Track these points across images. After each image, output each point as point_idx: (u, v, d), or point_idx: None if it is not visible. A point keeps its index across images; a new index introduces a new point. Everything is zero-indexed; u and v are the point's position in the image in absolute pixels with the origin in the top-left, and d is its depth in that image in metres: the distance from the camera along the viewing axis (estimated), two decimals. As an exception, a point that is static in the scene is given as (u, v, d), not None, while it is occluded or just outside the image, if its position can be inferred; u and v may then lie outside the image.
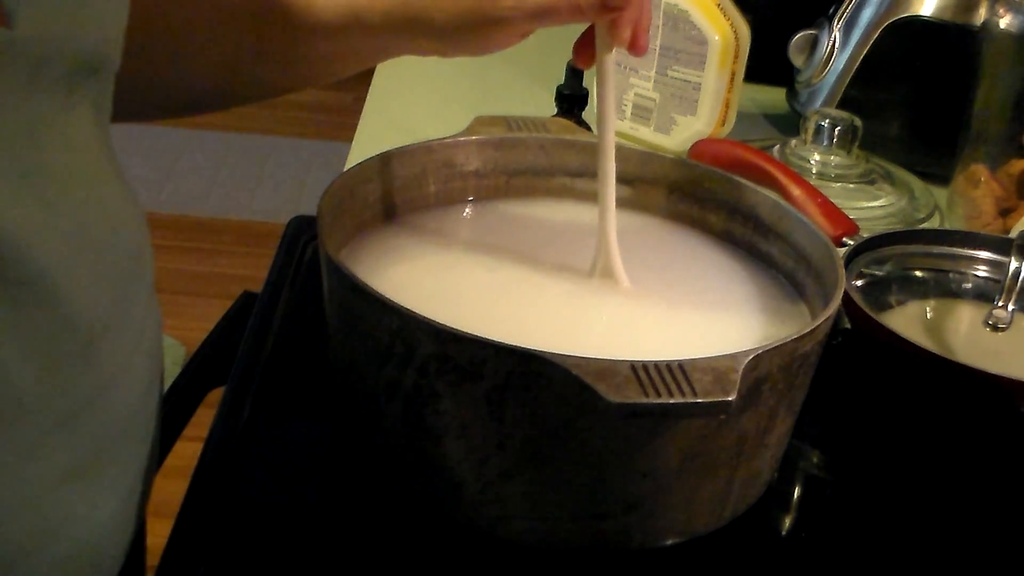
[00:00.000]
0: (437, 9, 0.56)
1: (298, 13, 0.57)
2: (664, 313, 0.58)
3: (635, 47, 0.57)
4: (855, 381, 0.66)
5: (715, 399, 0.42)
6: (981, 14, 0.91)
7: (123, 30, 0.43)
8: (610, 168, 0.58)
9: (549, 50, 1.15)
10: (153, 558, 0.53)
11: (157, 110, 0.62)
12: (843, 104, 0.96)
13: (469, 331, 0.44)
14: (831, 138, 0.88)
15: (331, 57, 0.60)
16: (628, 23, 0.55)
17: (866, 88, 0.97)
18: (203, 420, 0.61)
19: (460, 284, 0.58)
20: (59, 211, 0.40)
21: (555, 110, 0.89)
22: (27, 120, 0.38)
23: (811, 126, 0.89)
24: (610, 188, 0.58)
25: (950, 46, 0.93)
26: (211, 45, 0.58)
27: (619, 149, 0.64)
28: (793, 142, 0.91)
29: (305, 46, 0.58)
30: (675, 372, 0.42)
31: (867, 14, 0.96)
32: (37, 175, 0.39)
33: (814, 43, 1.00)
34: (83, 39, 0.39)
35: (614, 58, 0.57)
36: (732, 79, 0.92)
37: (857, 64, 0.96)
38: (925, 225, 0.85)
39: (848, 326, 0.66)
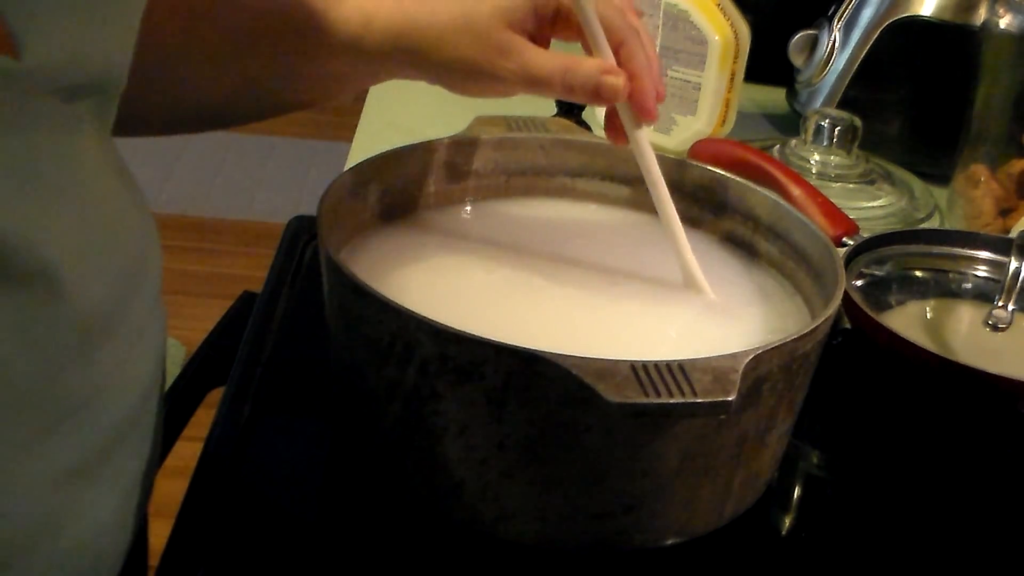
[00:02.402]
0: (435, 49, 0.56)
1: (313, 32, 0.57)
2: (664, 313, 0.58)
3: (644, 113, 0.56)
4: (855, 381, 0.66)
5: (715, 399, 0.42)
6: (981, 14, 0.91)
7: (130, 53, 0.43)
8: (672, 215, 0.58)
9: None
10: (153, 558, 0.53)
11: (160, 127, 0.62)
12: (843, 104, 0.96)
13: (469, 331, 0.44)
14: (831, 138, 0.88)
15: (338, 77, 0.60)
16: (647, 96, 0.55)
17: (866, 88, 0.97)
18: (203, 420, 0.61)
19: (460, 284, 0.58)
20: (61, 213, 0.40)
21: (555, 110, 0.89)
22: (26, 136, 0.38)
23: (811, 126, 0.89)
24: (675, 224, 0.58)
25: (950, 46, 0.93)
26: (222, 65, 0.58)
27: (619, 149, 0.64)
28: (793, 142, 0.91)
29: (316, 65, 0.58)
30: (675, 372, 0.42)
31: (867, 14, 0.96)
32: (38, 185, 0.39)
33: (814, 43, 1.00)
34: (89, 64, 0.40)
35: (647, 134, 0.57)
36: (732, 79, 0.92)
37: (857, 64, 0.96)
38: (925, 225, 0.85)
39: (848, 326, 0.66)
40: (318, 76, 0.59)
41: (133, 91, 0.45)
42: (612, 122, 0.58)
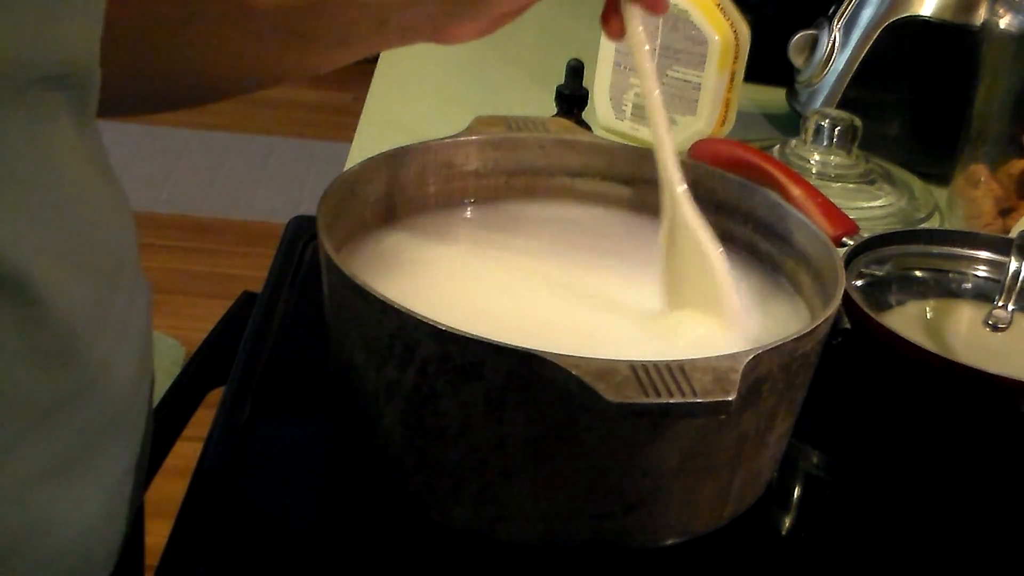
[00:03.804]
0: None
1: None
2: (663, 312, 0.58)
3: (656, 4, 0.56)
4: (855, 381, 0.66)
5: (715, 399, 0.42)
6: (981, 14, 0.91)
7: (97, 43, 0.42)
8: (667, 144, 0.57)
9: (549, 50, 1.15)
10: (153, 558, 0.53)
11: (164, 102, 0.62)
12: (843, 104, 0.96)
13: (469, 331, 0.44)
14: (831, 138, 0.88)
15: (349, 30, 0.59)
16: None
17: (866, 88, 0.97)
18: (203, 420, 0.61)
19: (460, 284, 0.58)
20: (37, 214, 0.40)
21: (555, 110, 0.89)
22: None
23: (811, 126, 0.89)
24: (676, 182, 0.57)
25: (950, 46, 0.93)
26: (227, 26, 0.57)
27: (619, 149, 0.64)
28: (793, 142, 0.91)
29: (325, 18, 0.58)
30: (675, 372, 0.42)
31: (867, 14, 0.96)
32: (13, 184, 0.38)
33: (814, 43, 1.00)
34: (51, 57, 0.39)
35: (640, 17, 0.56)
36: (732, 79, 0.92)
37: (857, 64, 0.96)
38: (925, 225, 0.85)
39: (848, 326, 0.66)
40: (328, 28, 0.59)
41: (135, 68, 0.45)
42: (609, 10, 0.57)
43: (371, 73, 1.09)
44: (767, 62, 1.00)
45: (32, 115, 0.39)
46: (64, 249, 0.41)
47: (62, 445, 0.43)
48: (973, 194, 0.85)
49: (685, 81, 0.92)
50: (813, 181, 0.83)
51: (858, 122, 0.88)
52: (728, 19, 0.90)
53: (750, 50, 0.92)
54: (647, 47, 0.57)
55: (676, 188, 0.57)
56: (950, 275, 0.72)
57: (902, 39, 0.94)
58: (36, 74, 0.39)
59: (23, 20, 0.37)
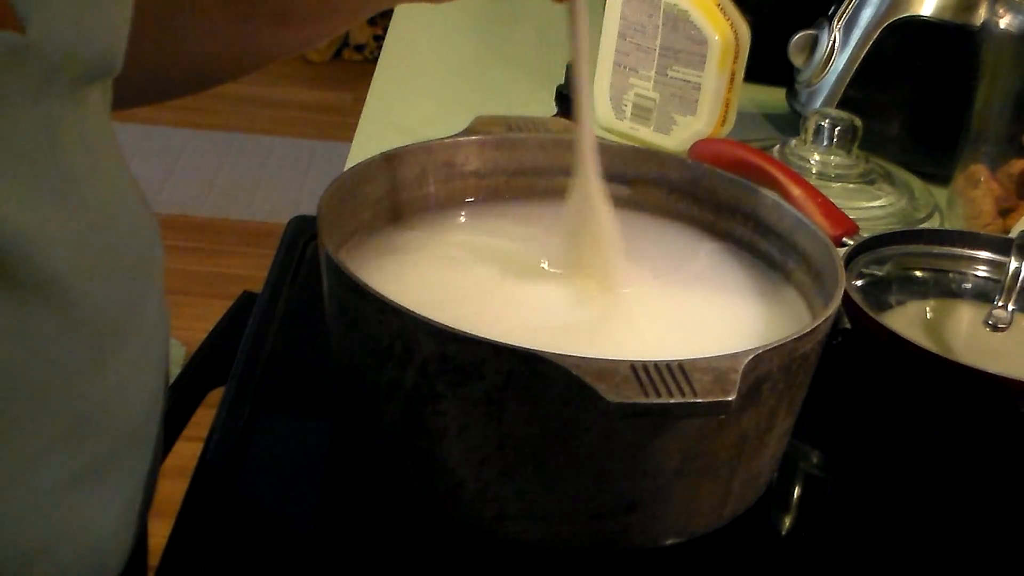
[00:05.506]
0: None
1: None
2: (663, 313, 0.58)
3: None
4: (855, 381, 0.66)
5: (715, 399, 0.42)
6: (981, 14, 0.91)
7: (127, 35, 0.43)
8: (588, 132, 0.57)
9: (549, 50, 1.15)
10: (153, 558, 0.53)
11: (156, 92, 0.62)
12: (843, 104, 0.96)
13: (469, 331, 0.44)
14: (831, 138, 0.88)
15: (316, 11, 0.59)
16: None
17: (866, 88, 0.97)
18: (203, 420, 0.61)
19: (460, 284, 0.58)
20: (76, 212, 0.40)
21: (555, 110, 0.89)
22: (43, 122, 0.38)
23: (811, 126, 0.89)
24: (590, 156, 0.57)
25: (950, 46, 0.93)
26: (205, 14, 0.58)
27: (619, 148, 0.64)
28: (793, 142, 0.91)
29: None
30: (675, 372, 0.42)
31: (867, 14, 0.96)
32: (56, 176, 0.39)
33: (814, 43, 1.00)
34: (92, 44, 0.39)
35: None
36: (732, 79, 0.92)
37: (857, 64, 0.96)
38: (925, 225, 0.85)
39: (848, 326, 0.66)
40: (310, 9, 0.59)
41: (140, 55, 0.45)
42: None
43: (371, 73, 1.09)
44: (767, 62, 1.00)
45: (73, 109, 0.39)
46: (99, 252, 0.42)
47: (88, 455, 0.43)
48: (973, 194, 0.85)
49: (685, 81, 0.92)
50: (813, 181, 0.83)
51: (858, 122, 0.88)
52: (728, 19, 0.90)
53: (750, 50, 0.92)
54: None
55: (586, 152, 0.57)
56: (950, 275, 0.72)
57: (902, 39, 0.94)
58: (80, 67, 0.39)
59: (67, 3, 0.37)
